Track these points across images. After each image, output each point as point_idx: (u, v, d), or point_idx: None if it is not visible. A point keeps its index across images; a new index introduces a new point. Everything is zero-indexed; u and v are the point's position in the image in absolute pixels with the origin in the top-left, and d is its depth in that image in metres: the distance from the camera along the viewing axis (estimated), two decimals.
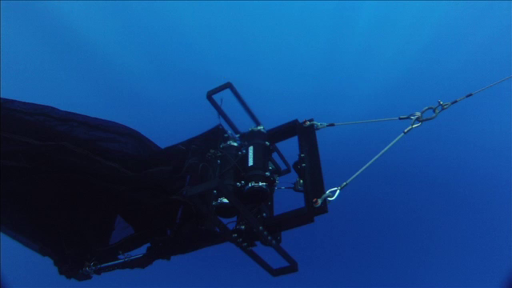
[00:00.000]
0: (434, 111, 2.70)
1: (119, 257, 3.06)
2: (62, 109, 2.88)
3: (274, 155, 3.44)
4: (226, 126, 3.37)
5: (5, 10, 8.85)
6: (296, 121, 3.30)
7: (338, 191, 2.49)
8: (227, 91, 3.20)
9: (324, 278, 9.85)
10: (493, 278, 8.53)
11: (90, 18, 10.07)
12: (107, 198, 2.90)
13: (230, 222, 2.80)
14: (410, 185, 10.25)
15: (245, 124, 3.34)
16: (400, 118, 2.79)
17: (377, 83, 11.07)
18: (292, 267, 2.97)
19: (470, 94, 2.94)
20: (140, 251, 3.05)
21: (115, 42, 10.60)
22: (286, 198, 3.09)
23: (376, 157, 2.58)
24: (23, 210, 2.89)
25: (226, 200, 2.66)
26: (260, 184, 2.72)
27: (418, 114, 2.67)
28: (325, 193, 2.48)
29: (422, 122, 2.67)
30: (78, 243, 3.08)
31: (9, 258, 6.07)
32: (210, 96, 3.21)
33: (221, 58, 11.00)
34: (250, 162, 2.87)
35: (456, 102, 2.80)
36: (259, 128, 3.21)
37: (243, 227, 2.68)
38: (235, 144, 3.17)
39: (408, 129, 2.67)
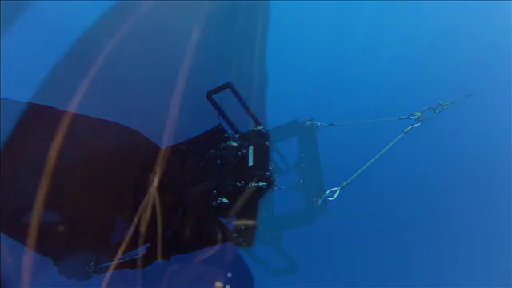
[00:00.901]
0: (434, 111, 2.71)
1: (119, 257, 3.06)
2: (62, 109, 2.88)
3: (274, 155, 3.44)
4: (226, 126, 3.36)
5: (5, 10, 8.85)
6: (296, 121, 3.30)
7: (338, 191, 2.49)
8: (227, 91, 3.19)
9: (324, 278, 9.84)
10: (493, 278, 8.52)
11: (89, 17, 10.06)
12: (107, 197, 2.90)
13: (230, 222, 2.80)
14: (410, 185, 10.22)
15: (245, 124, 3.34)
16: (400, 118, 2.80)
17: (377, 83, 11.04)
18: (291, 267, 2.97)
19: (470, 94, 2.94)
20: (140, 251, 3.04)
21: (115, 41, 10.59)
22: (286, 198, 3.09)
23: (376, 157, 2.58)
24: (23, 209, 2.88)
25: (226, 200, 2.66)
26: (260, 184, 2.72)
27: (418, 113, 2.68)
28: (325, 193, 2.48)
29: (421, 121, 2.67)
30: (78, 243, 3.07)
31: (9, 258, 6.06)
32: (209, 96, 3.20)
33: (221, 58, 10.97)
34: (250, 162, 2.87)
35: (456, 101, 2.80)
36: (259, 128, 3.21)
37: (243, 227, 2.68)
38: (235, 144, 3.16)
39: (408, 129, 2.67)
